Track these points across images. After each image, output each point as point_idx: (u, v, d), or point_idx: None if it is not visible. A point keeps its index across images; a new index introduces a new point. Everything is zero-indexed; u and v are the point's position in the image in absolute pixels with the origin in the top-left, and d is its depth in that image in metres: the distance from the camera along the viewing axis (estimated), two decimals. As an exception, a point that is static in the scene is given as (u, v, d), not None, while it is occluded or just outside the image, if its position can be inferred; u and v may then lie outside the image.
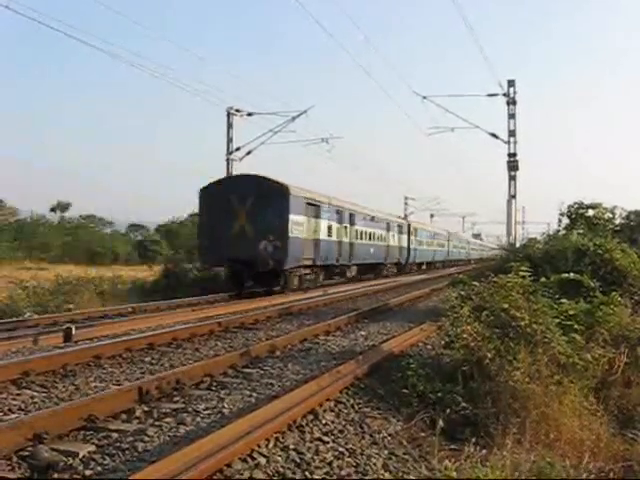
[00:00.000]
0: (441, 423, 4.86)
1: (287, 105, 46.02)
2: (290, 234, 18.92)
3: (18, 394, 6.03)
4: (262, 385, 6.47)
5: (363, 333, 10.64)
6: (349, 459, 4.58)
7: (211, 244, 19.12)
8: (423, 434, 5.43)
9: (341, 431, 5.16)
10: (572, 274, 9.86)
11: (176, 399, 5.88)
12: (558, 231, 16.46)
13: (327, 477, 4.22)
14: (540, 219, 64.39)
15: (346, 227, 24.84)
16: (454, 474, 3.92)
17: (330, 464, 4.42)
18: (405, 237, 36.08)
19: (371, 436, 5.20)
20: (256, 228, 18.65)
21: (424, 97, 25.61)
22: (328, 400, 5.82)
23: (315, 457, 4.49)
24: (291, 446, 4.60)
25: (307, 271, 21.15)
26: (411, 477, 4.51)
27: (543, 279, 9.00)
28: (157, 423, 5.05)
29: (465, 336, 6.41)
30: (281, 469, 4.20)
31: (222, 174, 27.14)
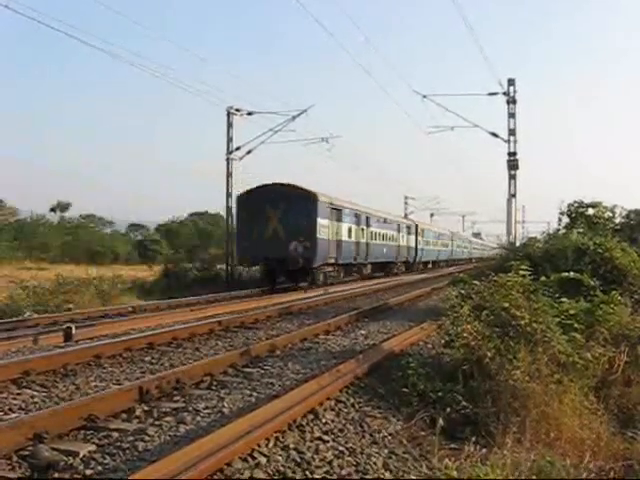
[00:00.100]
0: (441, 422, 4.86)
1: (287, 104, 46.04)
2: (318, 236, 21.36)
3: (18, 393, 6.03)
4: (262, 384, 6.47)
5: (363, 332, 10.64)
6: (349, 458, 4.58)
7: (248, 245, 21.51)
8: (423, 433, 5.43)
9: (341, 430, 5.16)
10: (572, 273, 9.86)
11: (176, 398, 5.88)
12: (558, 230, 16.44)
13: (327, 476, 4.22)
14: (540, 218, 64.32)
15: (363, 229, 27.08)
16: (454, 473, 3.92)
17: (330, 463, 4.42)
18: (413, 237, 37.99)
19: (371, 435, 5.20)
20: (287, 231, 21.05)
21: (424, 96, 25.62)
22: (328, 399, 5.82)
23: (315, 456, 4.49)
24: (291, 445, 4.60)
25: (331, 269, 23.60)
26: (411, 476, 4.51)
27: (543, 278, 9.00)
28: (157, 422, 5.05)
29: (465, 335, 6.41)
30: (281, 468, 4.20)
31: (222, 174, 27.24)
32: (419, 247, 39.33)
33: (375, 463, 4.59)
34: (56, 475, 3.97)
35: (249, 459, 4.22)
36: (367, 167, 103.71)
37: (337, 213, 23.89)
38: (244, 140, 27.70)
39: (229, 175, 27.57)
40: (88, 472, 4.00)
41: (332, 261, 23.33)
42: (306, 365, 7.53)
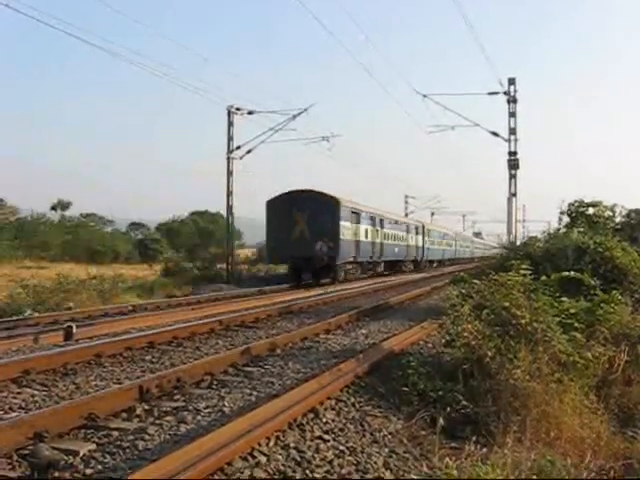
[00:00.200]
0: (442, 421, 4.85)
1: (288, 103, 46.14)
2: (340, 237, 23.80)
3: (19, 392, 6.03)
4: (263, 383, 6.47)
5: (364, 331, 10.63)
6: (350, 457, 4.58)
7: (277, 245, 24.08)
8: (424, 432, 5.42)
9: (342, 429, 5.16)
10: (572, 272, 9.84)
11: (177, 398, 5.87)
12: (558, 229, 16.42)
13: (328, 476, 4.22)
14: (540, 217, 64.41)
15: (377, 230, 29.56)
16: (455, 472, 3.92)
17: (331, 462, 4.42)
18: (420, 237, 40.19)
19: (372, 434, 5.20)
20: (313, 232, 23.30)
21: (424, 95, 25.64)
22: (329, 398, 5.82)
23: (316, 455, 4.48)
24: (292, 444, 4.59)
25: (351, 266, 26.01)
26: (412, 476, 4.50)
27: (543, 277, 8.98)
28: (158, 422, 5.05)
29: (466, 334, 6.40)
30: (282, 467, 4.20)
31: (222, 173, 27.31)
32: (426, 247, 41.36)
33: (375, 462, 4.59)
34: (56, 474, 3.97)
35: (249, 458, 4.21)
36: (367, 165, 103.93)
37: (356, 216, 26.17)
38: (244, 139, 27.74)
39: (229, 174, 27.59)
40: (88, 471, 4.00)
41: (352, 259, 25.66)
42: (306, 364, 7.53)
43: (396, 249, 33.73)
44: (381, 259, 30.55)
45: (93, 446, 4.46)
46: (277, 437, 4.66)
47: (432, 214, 63.77)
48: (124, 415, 5.26)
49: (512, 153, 26.04)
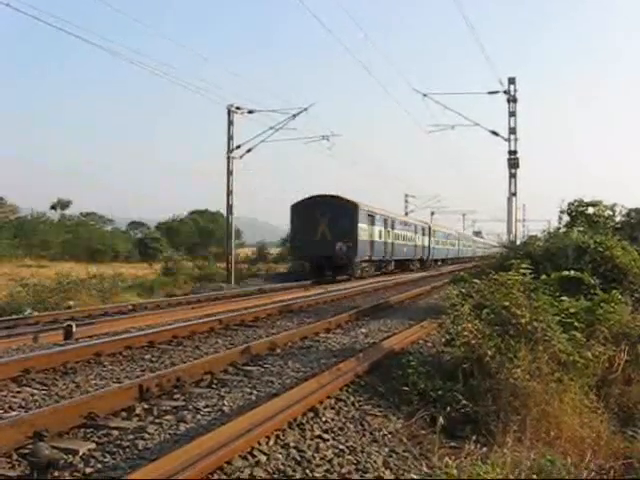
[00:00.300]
0: (441, 421, 4.85)
1: (287, 102, 46.11)
2: (358, 237, 26.23)
3: (18, 392, 6.03)
4: (262, 383, 6.47)
5: (363, 331, 10.63)
6: (349, 457, 4.58)
7: (301, 245, 26.67)
8: (423, 432, 5.42)
9: (341, 429, 5.16)
10: (572, 272, 9.83)
11: (176, 397, 5.87)
12: (558, 229, 16.42)
13: (328, 475, 4.22)
14: (540, 217, 64.42)
15: (389, 231, 31.86)
16: (455, 472, 3.92)
17: (330, 462, 4.42)
18: (426, 238, 42.25)
19: (371, 434, 5.20)
20: (334, 233, 25.78)
21: (424, 95, 25.63)
22: (328, 398, 5.81)
23: (315, 455, 4.48)
24: (291, 444, 4.59)
25: (366, 264, 28.42)
26: (412, 475, 4.50)
27: (543, 277, 8.98)
28: (157, 421, 5.04)
29: (466, 334, 6.40)
30: (281, 467, 4.20)
31: (223, 172, 27.33)
32: (431, 246, 43.41)
33: (375, 461, 4.59)
34: (56, 473, 3.96)
35: (249, 457, 4.21)
36: (367, 164, 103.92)
37: (371, 218, 28.53)
38: (244, 138, 27.74)
39: (229, 173, 27.59)
40: (88, 470, 3.99)
41: (367, 258, 28.06)
42: (306, 363, 7.53)
43: (405, 249, 35.78)
44: (392, 258, 32.73)
45: (93, 445, 4.45)
46: (277, 436, 4.65)
47: (432, 213, 63.82)
48: (124, 414, 5.25)
49: (512, 152, 26.03)
